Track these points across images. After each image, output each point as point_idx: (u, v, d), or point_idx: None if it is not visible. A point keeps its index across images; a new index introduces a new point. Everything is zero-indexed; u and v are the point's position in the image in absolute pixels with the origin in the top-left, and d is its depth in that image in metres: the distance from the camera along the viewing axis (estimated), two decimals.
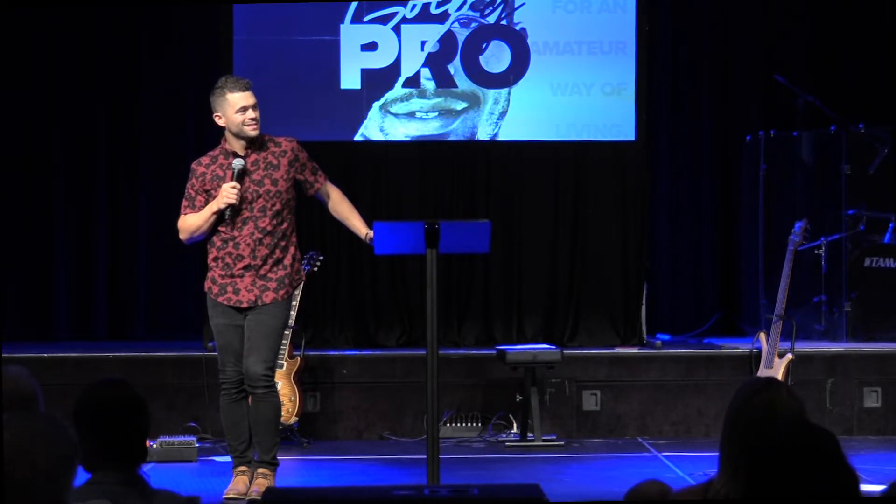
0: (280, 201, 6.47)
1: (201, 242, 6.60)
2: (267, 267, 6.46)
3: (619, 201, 9.45)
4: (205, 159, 6.58)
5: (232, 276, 6.45)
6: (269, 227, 6.45)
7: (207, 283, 6.53)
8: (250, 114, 6.42)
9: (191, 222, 6.47)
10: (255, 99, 6.46)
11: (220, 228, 6.47)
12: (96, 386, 3.47)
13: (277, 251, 6.49)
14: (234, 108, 6.42)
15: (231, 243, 6.45)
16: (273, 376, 6.50)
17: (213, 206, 6.40)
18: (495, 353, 8.44)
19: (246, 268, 6.44)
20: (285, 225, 6.51)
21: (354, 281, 9.38)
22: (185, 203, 6.52)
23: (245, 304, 6.45)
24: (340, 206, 6.68)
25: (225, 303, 6.46)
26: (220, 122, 6.50)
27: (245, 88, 6.44)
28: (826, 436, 2.72)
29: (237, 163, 6.41)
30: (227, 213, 6.39)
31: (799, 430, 2.72)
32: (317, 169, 6.64)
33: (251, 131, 6.43)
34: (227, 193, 6.37)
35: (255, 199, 6.44)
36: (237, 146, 6.49)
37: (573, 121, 9.36)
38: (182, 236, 6.54)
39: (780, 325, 8.04)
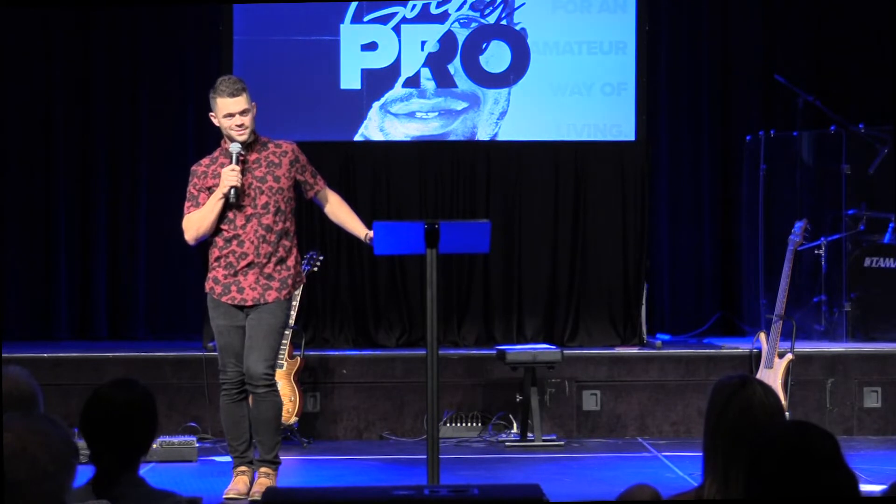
0: (283, 199, 6.48)
1: (202, 243, 6.60)
2: (271, 266, 6.47)
3: (619, 201, 9.45)
4: (205, 160, 6.59)
5: (235, 274, 6.45)
6: (272, 224, 6.46)
7: (209, 284, 6.53)
8: (237, 120, 6.42)
9: (196, 216, 6.45)
10: (248, 103, 6.42)
11: (222, 227, 6.47)
12: (107, 386, 3.45)
13: (281, 250, 6.49)
14: (222, 113, 6.44)
15: (235, 241, 6.45)
16: (274, 375, 6.51)
17: (218, 192, 6.41)
18: (495, 353, 8.44)
19: (250, 265, 6.45)
20: (288, 224, 6.52)
21: (354, 281, 9.38)
22: (188, 204, 6.52)
23: (250, 303, 6.45)
24: (339, 210, 6.70)
25: (229, 302, 6.46)
26: (215, 123, 6.52)
27: (234, 94, 6.40)
28: (825, 437, 2.71)
29: (234, 147, 6.43)
30: (232, 195, 6.38)
31: (797, 432, 2.72)
32: (316, 173, 6.67)
33: (238, 137, 6.43)
34: (228, 176, 6.38)
35: (258, 195, 6.45)
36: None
37: (573, 121, 9.37)
38: (188, 236, 6.51)
39: (780, 325, 8.04)
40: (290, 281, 6.52)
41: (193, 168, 6.58)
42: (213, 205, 6.42)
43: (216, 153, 6.57)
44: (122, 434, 3.35)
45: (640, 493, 3.20)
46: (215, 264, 6.51)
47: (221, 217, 6.45)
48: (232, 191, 6.38)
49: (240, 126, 6.42)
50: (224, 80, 6.50)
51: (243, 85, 6.47)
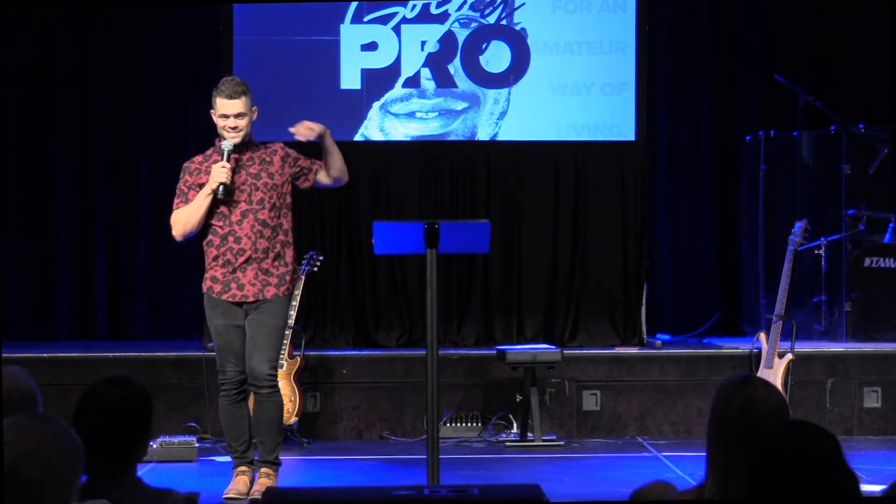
0: (277, 195, 6.50)
1: (199, 243, 6.60)
2: (269, 261, 6.48)
3: (619, 201, 9.44)
4: (198, 158, 6.62)
5: (234, 271, 6.46)
6: (268, 220, 6.47)
7: (207, 283, 6.53)
8: (230, 122, 6.45)
9: (185, 212, 6.47)
10: (245, 107, 6.45)
11: (217, 224, 6.47)
12: (101, 384, 3.43)
13: (278, 245, 6.50)
14: (218, 112, 6.48)
15: (231, 238, 6.46)
16: (277, 376, 6.52)
17: (207, 188, 6.43)
18: (495, 353, 8.44)
19: (248, 261, 6.46)
20: (283, 221, 6.53)
21: (354, 281, 9.38)
22: (177, 200, 6.53)
23: (251, 298, 6.45)
24: (329, 160, 6.59)
25: (229, 299, 6.47)
26: (214, 119, 6.55)
27: (231, 96, 6.43)
28: (826, 438, 2.71)
29: (226, 144, 6.46)
30: (220, 191, 6.40)
31: (798, 432, 2.72)
32: (310, 158, 6.66)
33: (229, 138, 6.46)
34: (218, 172, 6.40)
35: (253, 191, 6.47)
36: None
37: (573, 121, 9.36)
38: (175, 231, 6.52)
39: (780, 325, 8.04)
40: (287, 277, 6.53)
41: (185, 165, 6.61)
42: (202, 201, 6.44)
43: (209, 151, 6.60)
44: (118, 432, 3.34)
45: (655, 490, 3.20)
46: (213, 263, 6.52)
47: (214, 214, 6.46)
48: (221, 187, 6.40)
49: (233, 128, 6.46)
50: (226, 81, 6.55)
51: (245, 88, 6.47)
